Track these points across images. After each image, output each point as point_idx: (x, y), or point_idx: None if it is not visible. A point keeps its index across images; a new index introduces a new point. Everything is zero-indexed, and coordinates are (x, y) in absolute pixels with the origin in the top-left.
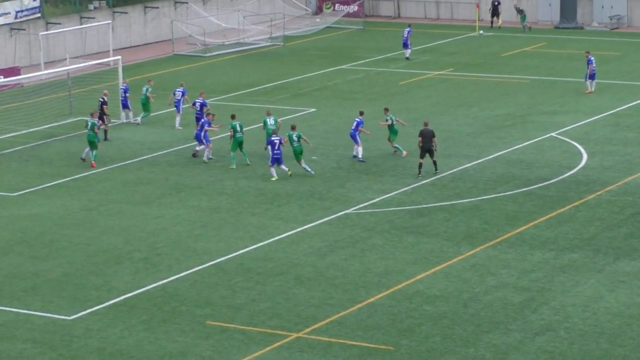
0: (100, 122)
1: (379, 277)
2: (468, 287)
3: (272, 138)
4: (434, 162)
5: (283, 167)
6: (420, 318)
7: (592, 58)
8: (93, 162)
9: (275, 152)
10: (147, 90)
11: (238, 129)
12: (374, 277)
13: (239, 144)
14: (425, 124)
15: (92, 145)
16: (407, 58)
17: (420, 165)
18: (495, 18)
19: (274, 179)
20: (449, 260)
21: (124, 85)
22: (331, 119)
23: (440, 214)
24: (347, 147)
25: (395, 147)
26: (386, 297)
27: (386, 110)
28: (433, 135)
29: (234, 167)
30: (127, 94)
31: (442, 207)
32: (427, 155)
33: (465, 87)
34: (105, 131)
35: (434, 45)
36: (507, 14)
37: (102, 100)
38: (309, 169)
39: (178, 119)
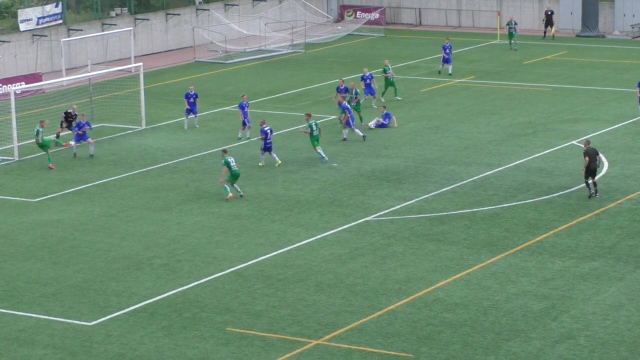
0: (60, 128)
1: (399, 284)
2: (488, 294)
3: (264, 127)
4: (595, 184)
5: (274, 155)
6: (440, 326)
7: None
8: (50, 164)
9: (267, 141)
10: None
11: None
12: (394, 285)
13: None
14: (587, 143)
15: (45, 148)
16: (449, 73)
17: (588, 185)
18: (548, 27)
19: (261, 164)
20: (469, 268)
21: (193, 91)
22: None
23: (460, 221)
24: (368, 154)
25: (318, 153)
26: (406, 304)
27: (308, 115)
28: (597, 153)
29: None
30: (191, 100)
31: (462, 215)
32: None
33: (486, 95)
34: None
35: (455, 53)
36: (535, 22)
37: (69, 112)
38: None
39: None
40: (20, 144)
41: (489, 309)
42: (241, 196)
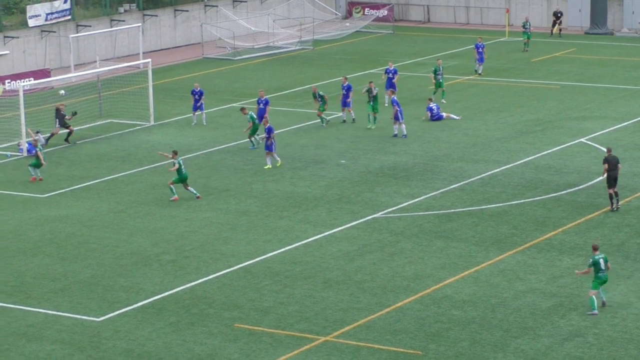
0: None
1: (407, 281)
2: (496, 292)
3: (269, 125)
4: (616, 194)
5: (275, 155)
6: (449, 323)
7: None
8: (40, 177)
9: (267, 140)
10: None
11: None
12: (402, 282)
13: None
14: (609, 150)
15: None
16: (479, 73)
17: (611, 196)
18: (556, 26)
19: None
20: (478, 265)
21: (199, 88)
22: (360, 123)
23: (468, 218)
24: (376, 151)
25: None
26: (414, 301)
27: (243, 109)
28: (617, 162)
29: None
30: (196, 97)
31: (470, 212)
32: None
33: (494, 92)
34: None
35: (463, 50)
36: (538, 20)
37: (59, 108)
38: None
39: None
40: (29, 139)
41: (497, 307)
42: (197, 197)
